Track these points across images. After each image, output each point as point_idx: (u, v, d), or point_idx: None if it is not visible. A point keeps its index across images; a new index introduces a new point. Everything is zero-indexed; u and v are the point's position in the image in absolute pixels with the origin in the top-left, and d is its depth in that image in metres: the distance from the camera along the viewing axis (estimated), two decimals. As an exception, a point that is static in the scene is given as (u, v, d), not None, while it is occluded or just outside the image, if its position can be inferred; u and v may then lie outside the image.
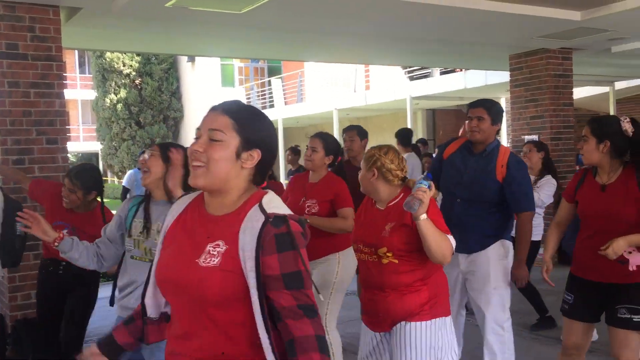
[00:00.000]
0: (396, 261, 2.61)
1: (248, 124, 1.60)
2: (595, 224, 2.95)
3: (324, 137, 3.83)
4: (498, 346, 3.50)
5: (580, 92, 12.27)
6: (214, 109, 1.63)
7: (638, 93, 14.60)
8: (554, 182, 5.14)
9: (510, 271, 3.50)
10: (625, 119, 2.91)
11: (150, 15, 5.45)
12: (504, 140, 15.15)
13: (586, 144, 2.93)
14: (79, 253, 2.65)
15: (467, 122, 3.58)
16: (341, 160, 3.95)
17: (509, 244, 3.57)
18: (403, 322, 2.63)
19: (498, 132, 3.60)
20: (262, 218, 1.54)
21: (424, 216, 2.45)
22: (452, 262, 3.50)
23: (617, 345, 2.90)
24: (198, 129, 1.63)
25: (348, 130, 4.92)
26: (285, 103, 21.49)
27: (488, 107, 3.52)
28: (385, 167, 2.69)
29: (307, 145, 3.86)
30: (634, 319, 2.82)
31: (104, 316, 6.14)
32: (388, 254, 2.61)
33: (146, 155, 2.74)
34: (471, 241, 3.47)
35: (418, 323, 2.60)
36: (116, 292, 2.86)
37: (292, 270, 1.52)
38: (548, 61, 7.90)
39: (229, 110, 1.61)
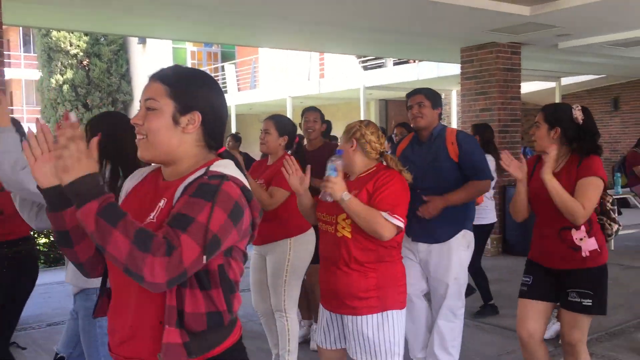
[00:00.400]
0: (349, 235, 2.62)
1: (182, 87, 1.54)
2: (543, 210, 3.02)
3: (277, 119, 3.78)
4: (448, 332, 3.57)
5: (528, 87, 12.60)
6: (149, 78, 1.59)
7: (583, 89, 15.11)
8: (491, 158, 5.09)
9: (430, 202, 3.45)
10: (577, 107, 2.96)
11: (98, -7, 5.27)
12: (454, 131, 15.42)
13: (538, 130, 2.98)
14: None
15: (409, 112, 3.63)
16: (299, 141, 3.90)
17: (470, 235, 3.62)
18: (354, 316, 2.63)
19: (440, 115, 3.65)
20: (202, 171, 1.49)
21: (346, 197, 2.50)
22: (410, 252, 3.59)
23: (567, 326, 3.00)
24: (140, 101, 1.58)
25: (311, 110, 4.72)
26: (239, 89, 21.25)
27: (425, 93, 3.61)
28: (365, 138, 2.72)
29: (261, 129, 3.80)
30: (583, 303, 2.91)
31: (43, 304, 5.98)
32: (346, 223, 2.62)
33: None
34: (435, 230, 3.51)
35: (369, 316, 2.61)
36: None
37: (189, 214, 1.38)
38: (497, 55, 8.07)
39: (162, 76, 1.56)
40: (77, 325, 2.58)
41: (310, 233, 3.75)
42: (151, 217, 1.51)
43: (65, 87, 24.09)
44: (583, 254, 2.89)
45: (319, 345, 2.87)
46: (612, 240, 8.15)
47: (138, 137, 1.55)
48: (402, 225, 2.60)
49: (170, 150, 1.54)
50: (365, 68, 16.59)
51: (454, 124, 14.91)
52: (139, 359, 1.50)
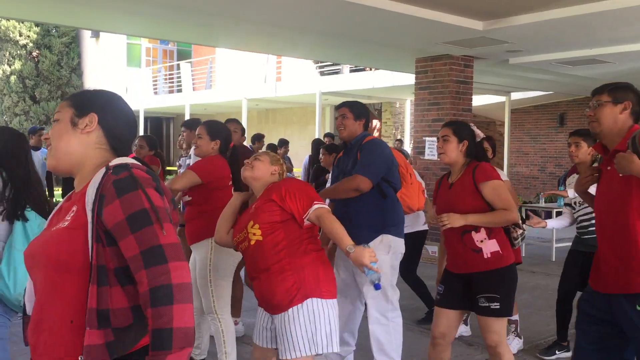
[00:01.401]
0: (261, 238, 2.75)
1: (80, 96, 1.68)
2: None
3: (208, 124, 3.91)
4: (384, 335, 3.65)
5: (479, 100, 12.92)
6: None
7: (531, 104, 15.59)
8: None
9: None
10: (473, 125, 3.33)
11: (50, -18, 5.12)
12: (407, 141, 15.66)
13: (448, 143, 3.22)
14: None
15: (337, 122, 3.85)
16: (234, 146, 3.97)
17: (390, 239, 3.67)
18: (277, 315, 2.74)
19: (364, 125, 3.81)
20: (103, 171, 1.54)
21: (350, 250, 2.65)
22: (340, 255, 3.72)
23: (483, 330, 3.18)
24: None
25: (233, 122, 5.12)
26: (194, 89, 21.00)
27: (349, 105, 3.81)
28: (284, 174, 3.01)
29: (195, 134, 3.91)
30: (491, 307, 3.07)
31: None
32: (255, 227, 2.76)
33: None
34: (356, 234, 3.54)
35: (293, 308, 2.69)
36: None
37: (136, 209, 1.46)
38: (451, 67, 8.24)
39: (68, 97, 1.72)
40: None
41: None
42: (62, 224, 1.54)
43: (13, 77, 23.28)
44: (485, 256, 3.09)
45: (254, 342, 2.97)
46: (553, 252, 8.41)
47: (48, 148, 1.67)
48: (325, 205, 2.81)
49: (70, 152, 1.62)
50: (322, 74, 16.68)
51: (407, 133, 15.15)
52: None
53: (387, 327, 3.65)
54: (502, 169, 14.30)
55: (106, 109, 1.66)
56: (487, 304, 3.07)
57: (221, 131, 3.87)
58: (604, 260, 2.60)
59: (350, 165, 3.68)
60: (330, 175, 5.96)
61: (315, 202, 2.75)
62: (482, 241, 3.09)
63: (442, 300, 3.27)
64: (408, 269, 5.14)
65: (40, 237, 1.62)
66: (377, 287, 2.56)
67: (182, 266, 1.44)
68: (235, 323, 4.55)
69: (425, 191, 4.73)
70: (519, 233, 3.24)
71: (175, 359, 1.38)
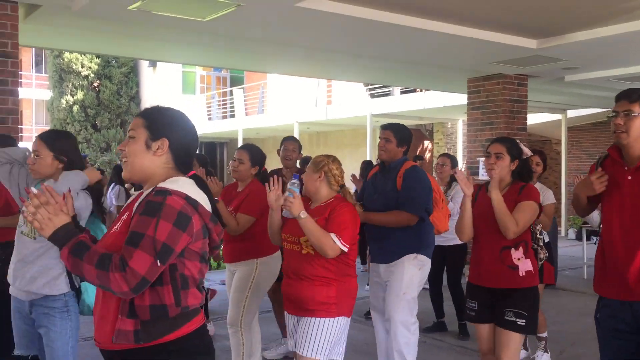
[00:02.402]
0: (313, 252, 2.97)
1: (154, 119, 1.95)
2: (486, 232, 3.25)
3: (250, 150, 4.06)
4: (405, 347, 3.76)
5: (534, 118, 12.66)
6: (135, 116, 2.03)
7: (589, 122, 15.14)
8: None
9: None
10: (523, 143, 3.38)
11: (111, 16, 5.37)
12: (460, 161, 15.45)
13: (501, 160, 3.27)
14: None
15: (379, 141, 3.95)
16: (265, 170, 4.13)
17: (424, 260, 3.86)
18: (311, 318, 2.97)
19: (405, 152, 3.93)
20: (150, 190, 1.88)
21: (302, 215, 2.86)
22: (375, 273, 3.94)
23: (501, 345, 3.18)
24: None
25: (291, 140, 5.07)
26: (246, 114, 21.41)
27: (395, 130, 3.90)
28: (332, 172, 3.11)
29: (234, 157, 4.04)
30: (518, 322, 3.13)
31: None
32: (308, 244, 2.96)
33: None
34: (390, 251, 3.81)
35: (326, 319, 2.95)
36: (10, 268, 2.87)
37: (139, 230, 1.77)
38: (504, 86, 8.13)
39: (143, 112, 2.00)
40: (31, 324, 2.84)
41: (277, 256, 3.98)
42: (116, 227, 1.90)
43: (75, 107, 24.32)
44: (520, 274, 3.17)
45: (292, 350, 3.13)
46: (585, 270, 8.15)
47: (123, 160, 1.96)
48: (345, 249, 2.94)
49: (143, 169, 1.94)
50: (373, 96, 16.71)
51: (460, 153, 14.95)
52: (102, 342, 1.89)
53: (410, 339, 3.79)
54: (559, 188, 13.92)
55: (175, 133, 1.95)
56: (514, 319, 3.14)
57: (261, 157, 4.06)
58: (626, 266, 2.56)
59: (389, 187, 3.81)
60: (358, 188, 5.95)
61: (334, 234, 2.92)
62: (519, 259, 3.18)
63: (478, 317, 3.31)
64: (456, 278, 5.49)
65: (103, 238, 1.96)
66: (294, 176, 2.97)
67: (118, 279, 1.74)
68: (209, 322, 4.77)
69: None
70: (542, 256, 3.42)
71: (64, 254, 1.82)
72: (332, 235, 2.90)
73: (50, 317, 2.76)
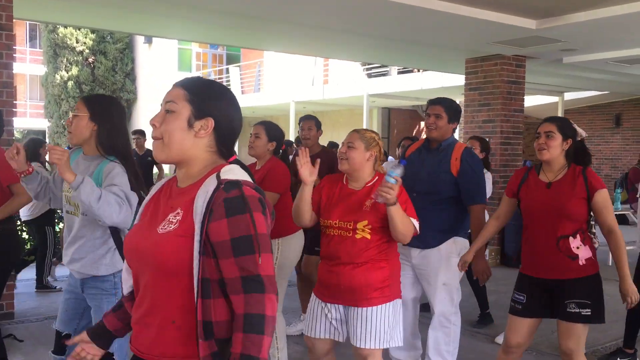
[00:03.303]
0: (369, 236, 2.83)
1: (200, 93, 1.61)
2: (537, 222, 3.08)
3: (267, 124, 3.86)
4: (443, 338, 3.59)
5: (531, 100, 12.64)
6: (173, 85, 1.67)
7: (586, 105, 15.15)
8: (489, 175, 5.27)
9: (471, 266, 3.52)
10: (574, 123, 3.14)
11: (107, -10, 5.30)
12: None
13: (553, 139, 3.05)
14: (40, 185, 2.84)
15: (428, 118, 3.66)
16: (286, 148, 3.97)
17: (463, 241, 3.63)
18: (368, 307, 2.83)
19: (454, 130, 3.70)
20: (215, 183, 1.54)
21: (393, 205, 2.68)
22: (404, 256, 3.61)
23: (564, 336, 3.04)
24: (161, 104, 1.66)
25: (306, 119, 4.91)
26: (242, 92, 21.30)
27: (446, 105, 3.63)
28: (380, 152, 2.97)
29: (250, 133, 3.86)
30: (582, 313, 2.97)
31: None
32: (366, 228, 2.83)
33: (70, 116, 2.76)
34: (426, 236, 3.50)
35: (383, 306, 2.84)
36: (64, 250, 2.84)
37: (242, 234, 1.48)
38: (502, 67, 8.10)
39: (184, 82, 1.65)
40: (78, 303, 2.80)
41: (299, 235, 3.85)
42: (168, 227, 1.56)
43: (70, 83, 24.14)
44: (580, 262, 2.99)
45: (307, 335, 3.01)
46: (610, 257, 8.15)
47: (154, 139, 1.62)
48: (416, 225, 2.88)
49: (182, 151, 1.61)
50: (370, 76, 16.64)
51: (456, 134, 14.95)
52: (143, 352, 1.58)
53: (449, 329, 3.60)
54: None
55: (222, 114, 1.63)
56: (578, 310, 2.97)
57: (278, 132, 3.87)
58: None
59: (443, 169, 3.55)
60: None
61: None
62: (578, 247, 3.01)
63: (523, 310, 3.15)
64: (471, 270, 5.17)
65: (143, 233, 1.62)
66: (401, 162, 2.76)
67: (275, 299, 1.49)
68: None
69: None
70: (596, 245, 3.15)
71: None
72: (413, 220, 2.83)
73: (98, 297, 2.69)
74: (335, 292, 2.90)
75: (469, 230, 3.71)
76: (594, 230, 3.22)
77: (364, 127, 14.64)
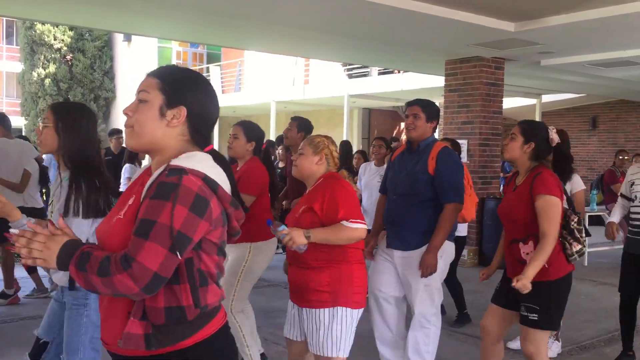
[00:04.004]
0: None
1: (172, 82, 1.62)
2: (503, 222, 3.20)
3: (245, 125, 3.86)
4: (422, 338, 3.60)
5: (509, 102, 12.76)
6: (146, 74, 1.67)
7: (563, 107, 15.34)
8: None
9: (421, 258, 3.49)
10: (553, 129, 3.13)
11: (85, -13, 5.22)
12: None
13: (513, 141, 3.11)
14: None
15: (406, 119, 3.70)
16: (267, 147, 3.94)
17: (446, 243, 3.61)
18: (309, 309, 2.84)
19: (434, 129, 3.72)
20: (162, 169, 1.56)
21: (308, 235, 2.69)
22: (388, 257, 3.65)
23: (523, 339, 3.10)
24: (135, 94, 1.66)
25: (291, 119, 4.94)
26: (223, 92, 21.19)
27: (423, 105, 3.66)
28: (332, 154, 2.96)
29: (229, 134, 3.85)
30: (529, 317, 3.00)
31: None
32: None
33: (40, 125, 2.67)
34: (407, 238, 3.55)
35: (323, 310, 2.79)
36: None
37: (150, 217, 1.47)
38: (481, 69, 8.17)
39: (157, 72, 1.67)
40: (62, 312, 2.70)
41: (272, 242, 3.80)
42: (120, 214, 1.60)
43: (47, 81, 23.81)
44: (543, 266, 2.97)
45: (285, 336, 3.04)
46: (586, 257, 8.25)
47: (126, 127, 1.63)
48: (362, 226, 2.77)
49: (154, 140, 1.62)
50: (350, 76, 16.67)
51: (436, 135, 15.05)
52: (109, 344, 1.64)
53: (429, 330, 3.60)
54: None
55: (195, 102, 1.62)
56: (526, 314, 3.00)
57: (257, 132, 3.84)
58: None
59: (419, 169, 3.56)
60: (364, 176, 5.91)
61: (342, 219, 2.75)
62: (527, 254, 3.00)
63: (496, 296, 3.26)
64: (449, 271, 5.15)
65: (105, 221, 1.67)
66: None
67: (123, 280, 1.46)
68: None
69: None
70: (574, 250, 3.02)
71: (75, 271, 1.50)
72: (343, 222, 2.73)
73: (70, 307, 2.63)
74: (292, 292, 3.00)
75: (454, 232, 3.74)
76: (577, 235, 3.04)
77: (344, 127, 14.67)
